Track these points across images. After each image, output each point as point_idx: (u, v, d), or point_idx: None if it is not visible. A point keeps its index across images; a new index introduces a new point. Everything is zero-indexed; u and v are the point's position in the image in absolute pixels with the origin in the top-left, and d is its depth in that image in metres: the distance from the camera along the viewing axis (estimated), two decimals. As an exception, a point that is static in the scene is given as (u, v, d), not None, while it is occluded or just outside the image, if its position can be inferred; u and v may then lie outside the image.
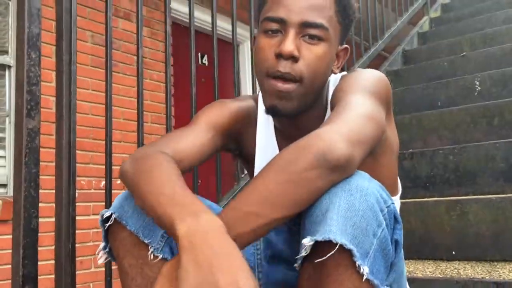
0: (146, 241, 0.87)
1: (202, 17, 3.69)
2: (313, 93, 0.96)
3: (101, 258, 0.94)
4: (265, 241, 0.95)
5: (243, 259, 0.68)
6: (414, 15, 3.58)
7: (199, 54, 4.14)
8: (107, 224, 0.89)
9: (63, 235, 1.22)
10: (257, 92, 1.10)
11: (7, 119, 2.90)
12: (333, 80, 1.03)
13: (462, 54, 2.79)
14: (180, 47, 3.58)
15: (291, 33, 0.93)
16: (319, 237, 0.71)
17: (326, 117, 1.00)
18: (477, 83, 2.39)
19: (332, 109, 0.92)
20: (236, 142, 1.10)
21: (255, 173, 1.06)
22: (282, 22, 0.94)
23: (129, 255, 0.88)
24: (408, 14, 3.42)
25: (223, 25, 3.43)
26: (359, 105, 0.86)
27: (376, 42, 2.94)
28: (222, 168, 1.79)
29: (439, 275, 1.29)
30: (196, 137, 0.99)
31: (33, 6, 1.18)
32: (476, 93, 2.39)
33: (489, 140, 1.89)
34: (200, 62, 4.17)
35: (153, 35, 3.59)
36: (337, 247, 0.70)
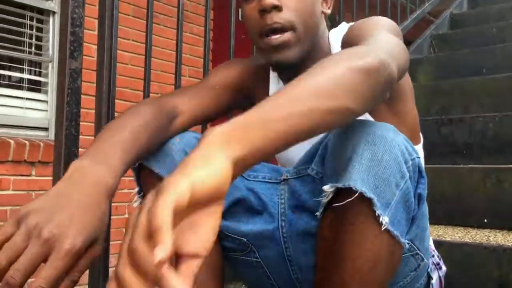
0: None
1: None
2: (309, 36, 0.96)
3: (136, 202, 0.97)
4: (289, 190, 0.96)
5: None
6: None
7: (240, 10, 4.10)
8: (138, 174, 0.93)
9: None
10: None
11: (49, 64, 2.97)
12: (341, 29, 1.01)
13: (513, 21, 2.67)
14: (222, 2, 3.55)
15: None
16: (339, 184, 0.71)
17: None
18: (526, 51, 2.30)
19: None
20: (249, 99, 1.09)
21: None
22: None
23: None
24: (459, -23, 3.27)
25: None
26: (386, 36, 0.83)
27: (423, 3, 2.84)
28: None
29: (468, 240, 1.28)
30: (203, 93, 1.00)
31: None
32: (524, 62, 2.30)
33: (534, 110, 1.83)
34: (240, 19, 4.13)
35: (195, -12, 3.57)
36: (357, 195, 0.70)
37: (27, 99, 2.90)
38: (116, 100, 1.32)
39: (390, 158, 0.73)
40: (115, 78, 1.30)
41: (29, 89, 2.94)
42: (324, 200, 0.76)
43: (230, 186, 0.73)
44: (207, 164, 0.53)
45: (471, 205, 1.53)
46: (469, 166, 1.65)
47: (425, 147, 1.36)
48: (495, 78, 2.09)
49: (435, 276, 1.00)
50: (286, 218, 0.96)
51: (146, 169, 0.92)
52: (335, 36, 1.02)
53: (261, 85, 1.07)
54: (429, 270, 0.96)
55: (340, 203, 0.72)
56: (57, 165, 1.17)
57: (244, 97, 1.08)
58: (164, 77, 3.27)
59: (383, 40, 0.80)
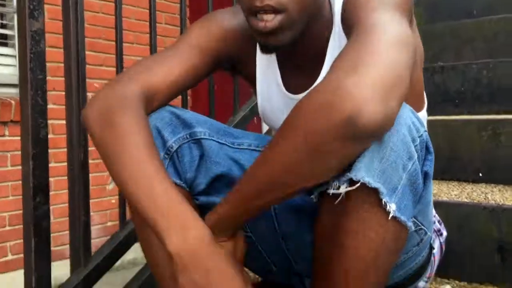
0: None
1: None
2: (304, 16, 0.82)
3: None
4: None
5: (235, 273, 0.69)
6: None
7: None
8: None
9: (74, 142, 1.16)
10: None
11: (15, 15, 2.77)
12: None
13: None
14: None
15: None
16: (342, 178, 0.66)
17: (335, 30, 0.86)
18: (521, -10, 2.19)
19: (347, 30, 0.77)
20: (232, 63, 0.98)
21: (258, 97, 0.98)
22: None
23: None
24: None
25: None
26: (387, 26, 0.69)
27: None
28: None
29: (465, 199, 1.23)
30: (175, 65, 0.87)
31: None
32: (518, 2, 2.19)
33: (529, 55, 1.76)
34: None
35: None
36: (359, 184, 0.65)
37: (-9, 53, 2.73)
38: (87, 52, 1.20)
39: (397, 139, 0.66)
40: (84, 26, 1.17)
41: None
42: (330, 190, 0.69)
43: (212, 161, 0.85)
44: None
45: (466, 158, 1.48)
46: (464, 117, 1.59)
47: None
48: (490, 20, 1.99)
49: (436, 245, 0.96)
50: None
51: None
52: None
53: (247, 48, 0.95)
54: (431, 241, 0.91)
55: (338, 191, 0.66)
56: (25, 140, 1.07)
57: (227, 61, 0.96)
58: (140, 26, 3.09)
59: (379, 46, 0.65)
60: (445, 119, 1.58)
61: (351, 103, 0.58)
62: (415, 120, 0.70)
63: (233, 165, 0.88)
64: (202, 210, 0.83)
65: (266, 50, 0.86)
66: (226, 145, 0.88)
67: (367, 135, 0.60)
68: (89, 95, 1.09)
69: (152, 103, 0.84)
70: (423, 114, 0.96)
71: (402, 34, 0.69)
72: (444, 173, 1.49)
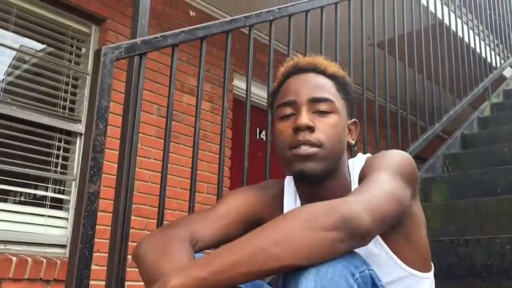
0: None
1: (262, 94, 3.85)
2: (334, 157, 1.05)
3: None
4: None
5: None
6: (474, 100, 3.56)
7: (258, 129, 4.27)
8: None
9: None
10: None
11: (73, 183, 3.08)
12: (358, 160, 1.10)
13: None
14: (240, 122, 3.73)
15: (303, 109, 1.06)
16: None
17: (353, 188, 1.06)
18: (539, 171, 2.32)
19: (359, 183, 0.98)
20: (260, 223, 1.13)
21: None
22: (294, 104, 1.08)
23: None
24: (468, 99, 3.41)
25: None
26: (385, 182, 0.91)
27: (433, 125, 2.94)
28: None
29: None
30: (214, 222, 1.06)
31: (104, 82, 1.30)
32: (538, 182, 2.30)
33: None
34: (258, 137, 4.29)
35: (214, 110, 3.77)
36: None
37: (48, 216, 2.97)
38: (133, 217, 1.36)
39: (334, 272, 0.77)
40: (132, 195, 1.35)
41: (51, 207, 3.02)
42: None
43: None
44: None
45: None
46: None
47: (441, 269, 1.32)
48: (511, 198, 2.08)
49: None
50: None
51: None
52: (353, 165, 1.11)
53: (275, 213, 1.10)
54: None
55: None
56: (69, 285, 1.19)
57: (257, 223, 1.12)
58: (184, 195, 3.33)
59: (376, 189, 0.89)
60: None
61: (348, 207, 0.81)
62: (353, 261, 0.81)
63: None
64: None
65: (300, 177, 1.06)
66: None
67: (355, 233, 0.80)
68: (129, 257, 1.24)
69: (194, 247, 0.99)
70: (430, 275, 1.04)
71: (395, 190, 0.91)
72: None
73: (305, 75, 1.10)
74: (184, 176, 3.37)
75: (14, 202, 2.96)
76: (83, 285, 1.19)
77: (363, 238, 0.81)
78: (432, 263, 1.08)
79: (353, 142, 1.14)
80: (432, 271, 1.07)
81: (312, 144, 1.02)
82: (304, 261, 0.77)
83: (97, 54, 1.30)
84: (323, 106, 1.06)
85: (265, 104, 3.83)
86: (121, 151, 1.40)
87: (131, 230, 1.34)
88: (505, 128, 3.10)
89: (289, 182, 1.18)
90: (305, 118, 1.03)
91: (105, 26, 3.30)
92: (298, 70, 1.12)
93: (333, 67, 1.13)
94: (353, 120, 1.16)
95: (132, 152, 1.39)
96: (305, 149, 1.02)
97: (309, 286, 0.75)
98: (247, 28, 1.73)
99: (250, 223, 1.11)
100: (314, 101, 1.06)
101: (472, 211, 2.16)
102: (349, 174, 1.10)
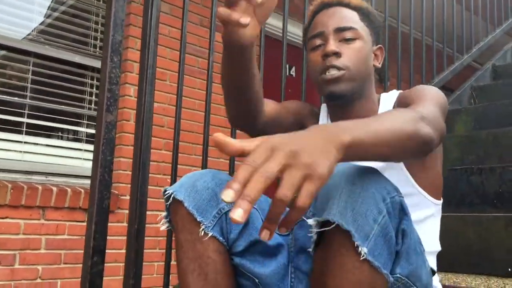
0: (199, 219, 0.98)
1: (293, 30, 3.83)
2: (360, 78, 1.17)
3: (163, 226, 1.07)
4: (293, 237, 1.05)
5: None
6: (510, 28, 3.42)
7: (288, 65, 4.27)
8: (168, 203, 1.02)
9: (133, 215, 1.38)
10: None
11: (107, 119, 3.22)
12: (390, 95, 1.22)
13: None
14: (270, 59, 3.72)
15: (331, 38, 1.18)
16: (319, 218, 0.79)
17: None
18: None
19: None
20: (300, 128, 1.27)
21: None
22: (322, 35, 1.20)
23: (185, 230, 1.00)
24: (502, 29, 3.28)
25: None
26: (432, 106, 1.01)
27: (462, 55, 2.87)
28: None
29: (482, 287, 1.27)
30: (279, 107, 1.29)
31: (117, 17, 1.36)
32: None
33: None
34: (288, 73, 4.30)
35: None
36: (334, 225, 0.77)
37: (85, 150, 3.15)
38: (151, 150, 1.46)
39: (366, 195, 0.80)
40: (151, 131, 1.44)
41: (87, 142, 3.19)
42: (314, 236, 0.83)
43: (254, 227, 1.02)
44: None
45: (495, 253, 1.52)
46: (493, 214, 1.64)
47: (454, 197, 1.37)
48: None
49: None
50: (293, 262, 1.04)
51: (177, 201, 1.00)
52: (385, 98, 1.22)
53: (313, 120, 1.30)
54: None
55: (323, 229, 0.79)
56: (91, 206, 1.31)
57: (300, 126, 1.28)
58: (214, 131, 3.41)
59: (432, 112, 0.98)
60: (476, 216, 1.64)
61: (422, 123, 0.90)
62: (387, 185, 0.83)
63: None
64: (236, 271, 1.01)
65: (331, 98, 1.19)
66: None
67: (426, 142, 0.88)
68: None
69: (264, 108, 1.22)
70: (438, 203, 1.16)
71: (436, 119, 0.98)
72: (475, 267, 1.53)
73: (331, 9, 1.23)
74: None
75: (54, 138, 3.14)
76: (103, 204, 1.31)
77: (431, 148, 0.90)
78: (441, 197, 1.16)
79: (379, 65, 1.25)
80: (441, 202, 1.15)
81: (339, 68, 1.14)
82: (389, 158, 0.86)
83: (109, -11, 1.35)
84: (348, 34, 1.18)
85: (295, 40, 3.80)
86: (140, 88, 1.46)
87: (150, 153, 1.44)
88: (539, 58, 3.00)
89: (324, 107, 1.32)
90: (332, 45, 1.16)
91: (130, -36, 3.30)
92: (325, 5, 1.24)
93: (357, 0, 1.24)
94: (379, 46, 1.27)
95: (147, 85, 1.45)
96: (332, 74, 1.14)
97: (340, 207, 0.78)
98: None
99: (296, 121, 1.29)
100: (340, 30, 1.18)
101: (491, 141, 2.16)
102: (379, 102, 1.22)
